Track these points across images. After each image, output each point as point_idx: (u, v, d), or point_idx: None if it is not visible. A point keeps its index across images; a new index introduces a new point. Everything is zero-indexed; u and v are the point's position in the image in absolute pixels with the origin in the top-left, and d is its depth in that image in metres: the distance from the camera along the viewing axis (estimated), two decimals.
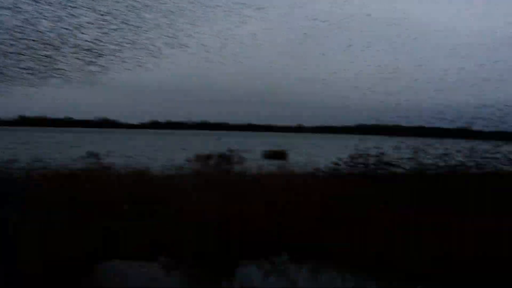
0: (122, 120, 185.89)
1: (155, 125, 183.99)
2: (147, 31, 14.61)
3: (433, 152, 14.29)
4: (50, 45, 14.37)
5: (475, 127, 16.34)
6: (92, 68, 14.55)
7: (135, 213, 10.81)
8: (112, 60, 14.36)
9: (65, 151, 33.93)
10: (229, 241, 9.08)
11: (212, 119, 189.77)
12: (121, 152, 26.60)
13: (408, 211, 10.25)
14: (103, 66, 14.43)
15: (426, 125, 17.23)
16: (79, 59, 14.16)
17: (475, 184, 12.30)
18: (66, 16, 13.34)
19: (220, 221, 9.62)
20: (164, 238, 9.23)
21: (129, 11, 14.01)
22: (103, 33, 13.85)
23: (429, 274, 7.82)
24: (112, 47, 14.14)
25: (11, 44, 13.89)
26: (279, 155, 35.93)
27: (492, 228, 8.98)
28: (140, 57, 15.19)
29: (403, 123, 17.00)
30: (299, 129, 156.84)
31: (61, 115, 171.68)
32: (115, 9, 13.80)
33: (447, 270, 7.85)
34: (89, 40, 13.80)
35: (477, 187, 12.02)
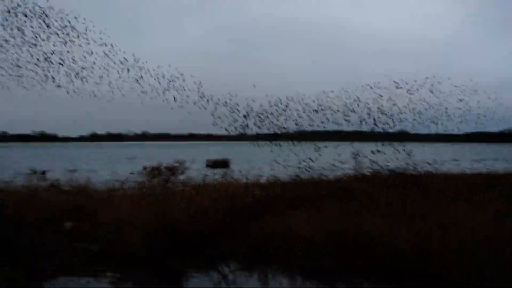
0: (61, 133, 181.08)
1: (95, 137, 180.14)
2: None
3: None
4: None
5: None
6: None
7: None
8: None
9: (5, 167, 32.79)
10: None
11: (152, 129, 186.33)
12: (64, 166, 25.90)
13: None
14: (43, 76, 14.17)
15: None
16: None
17: None
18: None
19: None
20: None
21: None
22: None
23: None
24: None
25: None
26: (222, 163, 36.23)
27: None
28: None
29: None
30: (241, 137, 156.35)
31: None
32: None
33: None
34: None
35: None
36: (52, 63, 13.83)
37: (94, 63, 13.93)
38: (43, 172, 17.32)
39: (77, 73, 13.98)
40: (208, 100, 14.44)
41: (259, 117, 14.74)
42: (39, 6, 13.45)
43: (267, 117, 14.74)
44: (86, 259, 9.75)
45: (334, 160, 14.90)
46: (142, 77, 14.17)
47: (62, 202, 12.76)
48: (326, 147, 14.86)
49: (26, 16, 13.49)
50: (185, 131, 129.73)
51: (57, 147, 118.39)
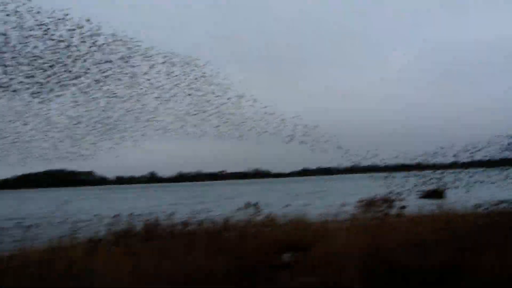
0: (274, 170, 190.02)
1: (305, 172, 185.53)
2: None
3: None
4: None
5: None
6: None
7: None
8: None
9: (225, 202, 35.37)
10: None
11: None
12: (279, 201, 27.10)
13: None
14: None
15: None
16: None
17: None
18: None
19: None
20: None
21: None
22: None
23: None
24: None
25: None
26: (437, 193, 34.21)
27: None
28: None
29: None
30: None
31: (216, 169, 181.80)
32: None
33: None
34: None
35: None
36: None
37: None
38: (257, 205, 18.12)
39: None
40: None
41: None
42: None
43: None
44: None
45: None
46: None
47: (278, 235, 13.12)
48: None
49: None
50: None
51: (269, 183, 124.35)
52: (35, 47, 16.12)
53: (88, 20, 16.35)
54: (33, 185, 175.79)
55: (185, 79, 17.51)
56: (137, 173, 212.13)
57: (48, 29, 16.06)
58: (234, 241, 12.30)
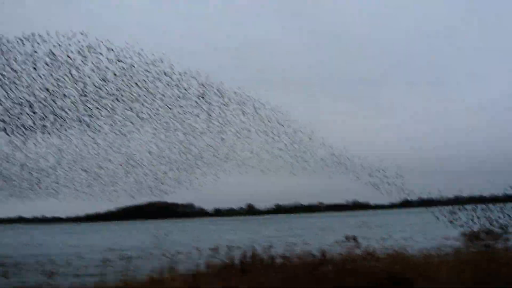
0: (372, 201, 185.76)
1: (406, 203, 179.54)
2: None
3: None
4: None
5: None
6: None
7: None
8: None
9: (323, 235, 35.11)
10: None
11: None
12: (377, 234, 26.52)
13: None
14: None
15: None
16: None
17: None
18: None
19: None
20: None
21: None
22: None
23: None
24: None
25: None
26: None
27: None
28: None
29: None
30: None
31: (313, 200, 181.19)
32: None
33: None
34: None
35: None
36: None
37: None
38: (355, 238, 17.83)
39: None
40: None
41: None
42: None
43: None
44: None
45: None
46: None
47: (377, 269, 12.78)
48: None
49: None
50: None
51: (367, 215, 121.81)
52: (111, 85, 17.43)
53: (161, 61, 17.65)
54: (136, 217, 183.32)
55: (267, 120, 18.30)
56: (235, 205, 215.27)
57: (124, 67, 17.34)
58: (333, 275, 12.12)
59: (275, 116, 18.58)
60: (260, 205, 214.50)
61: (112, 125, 18.43)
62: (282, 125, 18.71)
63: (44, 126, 17.91)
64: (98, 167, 21.19)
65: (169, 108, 18.20)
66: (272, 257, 15.61)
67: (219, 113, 18.56)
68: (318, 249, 16.83)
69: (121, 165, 20.85)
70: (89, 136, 18.89)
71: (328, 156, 18.81)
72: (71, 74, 16.90)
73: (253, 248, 17.03)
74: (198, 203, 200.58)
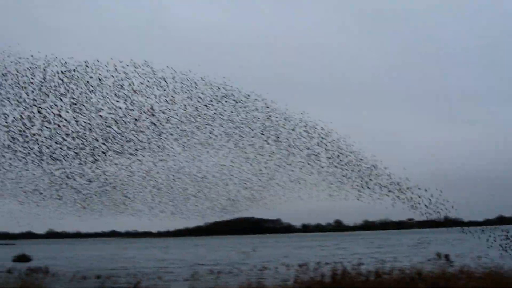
0: (466, 217, 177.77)
1: (501, 220, 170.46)
2: None
3: None
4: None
5: None
6: None
7: None
8: None
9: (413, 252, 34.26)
10: None
11: None
12: (471, 252, 25.52)
13: None
14: None
15: None
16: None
17: None
18: None
19: None
20: None
21: None
22: None
23: None
24: None
25: None
26: None
27: None
28: None
29: None
30: None
31: (403, 216, 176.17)
32: None
33: None
34: None
35: None
36: None
37: None
38: (447, 256, 17.32)
39: None
40: None
41: None
42: None
43: None
44: None
45: None
46: None
47: None
48: None
49: None
50: None
51: (459, 232, 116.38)
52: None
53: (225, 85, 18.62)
54: (223, 232, 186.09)
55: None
56: (323, 220, 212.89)
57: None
58: None
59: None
60: (348, 221, 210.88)
61: (207, 147, 19.71)
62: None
63: (136, 150, 19.53)
64: (185, 184, 22.41)
65: (239, 129, 19.27)
66: (362, 274, 15.50)
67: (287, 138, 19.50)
68: (409, 266, 16.53)
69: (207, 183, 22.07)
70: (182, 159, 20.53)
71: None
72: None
73: (342, 264, 17.03)
74: (286, 218, 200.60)
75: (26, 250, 59.39)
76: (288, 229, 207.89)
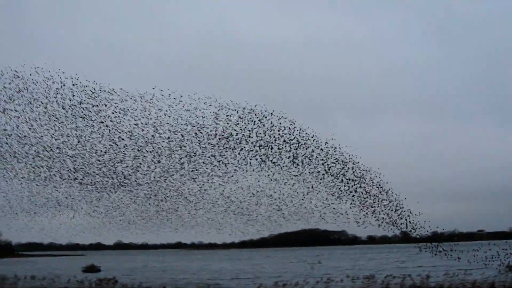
0: None
1: None
2: None
3: None
4: None
5: None
6: None
7: None
8: None
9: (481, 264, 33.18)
10: None
11: None
12: None
13: None
14: None
15: None
16: None
17: None
18: None
19: None
20: None
21: None
22: None
23: None
24: None
25: None
26: None
27: None
28: None
29: None
30: None
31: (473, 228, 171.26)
32: None
33: None
34: None
35: None
36: None
37: None
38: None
39: None
40: None
41: None
42: None
43: None
44: None
45: None
46: None
47: None
48: None
49: None
50: None
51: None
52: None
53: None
54: (288, 244, 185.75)
55: None
56: (389, 231, 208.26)
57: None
58: None
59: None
60: (416, 232, 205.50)
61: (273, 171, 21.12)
62: None
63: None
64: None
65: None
66: (432, 287, 15.28)
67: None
68: (481, 280, 16.13)
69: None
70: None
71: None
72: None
73: (410, 277, 16.87)
74: (351, 230, 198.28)
75: (95, 261, 61.51)
76: (354, 240, 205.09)
